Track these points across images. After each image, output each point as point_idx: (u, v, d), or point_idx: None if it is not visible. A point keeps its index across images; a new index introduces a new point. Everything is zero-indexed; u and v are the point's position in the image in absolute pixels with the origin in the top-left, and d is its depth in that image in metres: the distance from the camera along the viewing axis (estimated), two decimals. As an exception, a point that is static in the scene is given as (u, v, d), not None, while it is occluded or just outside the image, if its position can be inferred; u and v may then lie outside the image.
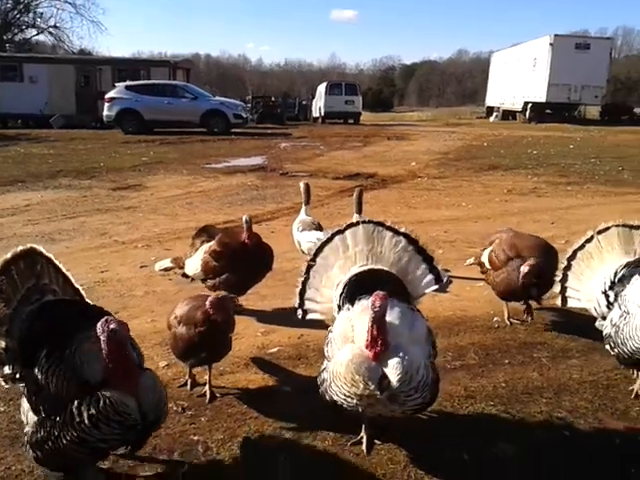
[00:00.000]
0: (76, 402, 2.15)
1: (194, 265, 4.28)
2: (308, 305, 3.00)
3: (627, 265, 3.28)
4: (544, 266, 3.84)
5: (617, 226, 3.42)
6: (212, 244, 4.21)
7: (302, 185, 5.61)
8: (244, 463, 2.70)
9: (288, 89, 39.24)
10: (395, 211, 8.24)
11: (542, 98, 28.81)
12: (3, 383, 2.46)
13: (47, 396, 2.20)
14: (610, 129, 24.56)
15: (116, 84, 22.22)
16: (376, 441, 2.80)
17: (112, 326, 2.19)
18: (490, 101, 35.93)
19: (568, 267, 3.53)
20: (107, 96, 21.45)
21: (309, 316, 3.03)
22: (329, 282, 2.93)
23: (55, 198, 9.40)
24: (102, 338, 2.19)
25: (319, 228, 5.43)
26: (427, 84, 61.25)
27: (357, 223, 2.98)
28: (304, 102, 34.39)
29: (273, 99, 32.08)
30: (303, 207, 5.63)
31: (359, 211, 5.42)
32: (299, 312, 3.02)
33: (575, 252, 3.53)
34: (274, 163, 13.82)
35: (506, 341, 3.96)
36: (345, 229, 2.98)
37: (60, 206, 8.76)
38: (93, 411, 2.13)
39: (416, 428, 2.91)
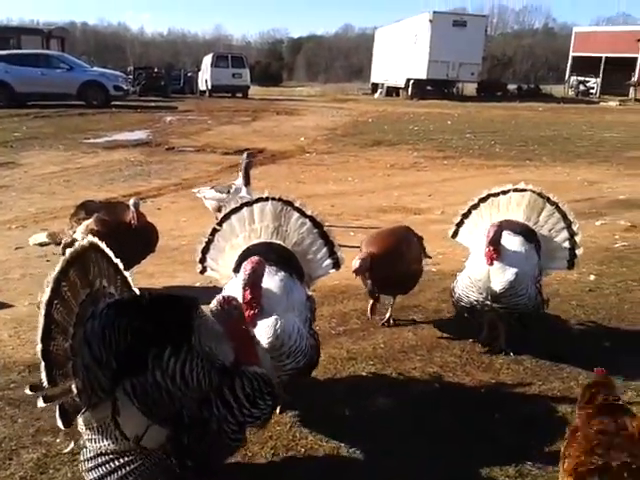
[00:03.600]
0: (226, 389, 2.02)
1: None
2: (209, 263, 3.09)
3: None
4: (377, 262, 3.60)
5: (533, 192, 3.69)
6: (89, 223, 4.06)
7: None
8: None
9: (172, 60, 37.68)
10: (284, 186, 8.34)
11: (423, 75, 29.77)
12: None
13: (184, 397, 1.98)
14: (485, 105, 26.14)
15: (-18, 54, 20.32)
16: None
17: (234, 303, 2.15)
18: (375, 78, 36.65)
19: (475, 206, 3.79)
20: (-28, 67, 19.60)
21: (207, 273, 3.14)
22: (232, 250, 3.02)
23: None
24: (227, 317, 2.11)
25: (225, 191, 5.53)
26: (315, 59, 61.51)
27: (267, 199, 3.06)
28: (190, 74, 33.14)
29: (156, 70, 30.57)
30: (244, 187, 5.42)
31: (247, 183, 5.38)
32: (198, 266, 3.11)
33: (488, 196, 3.76)
34: (159, 137, 13.43)
35: (386, 306, 4.19)
36: (254, 203, 3.06)
37: None
38: (249, 391, 2.04)
39: (301, 391, 3.05)
